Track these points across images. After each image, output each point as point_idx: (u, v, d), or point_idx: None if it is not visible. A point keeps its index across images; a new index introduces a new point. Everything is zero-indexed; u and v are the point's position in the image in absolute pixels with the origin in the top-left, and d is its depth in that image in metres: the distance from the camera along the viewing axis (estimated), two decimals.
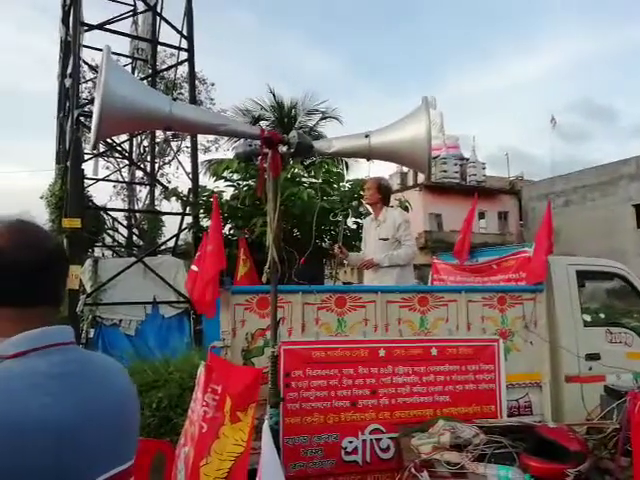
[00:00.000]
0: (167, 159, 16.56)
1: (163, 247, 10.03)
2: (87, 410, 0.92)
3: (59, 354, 0.94)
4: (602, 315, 4.94)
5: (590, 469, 2.73)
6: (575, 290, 4.30)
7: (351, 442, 3.32)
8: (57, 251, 1.02)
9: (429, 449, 2.91)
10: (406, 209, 7.53)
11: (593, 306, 5.13)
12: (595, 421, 3.42)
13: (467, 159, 28.95)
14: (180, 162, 13.91)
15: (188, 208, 8.83)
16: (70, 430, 0.87)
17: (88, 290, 7.73)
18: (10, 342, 0.91)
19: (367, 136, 2.64)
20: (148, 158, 12.36)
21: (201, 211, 8.43)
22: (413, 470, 2.74)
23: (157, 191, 11.47)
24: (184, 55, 9.74)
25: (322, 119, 17.04)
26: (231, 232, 7.73)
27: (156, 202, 11.62)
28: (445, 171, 27.22)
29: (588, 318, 4.45)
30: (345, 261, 4.81)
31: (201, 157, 13.74)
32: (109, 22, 9.97)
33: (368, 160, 2.77)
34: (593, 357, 4.16)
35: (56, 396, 0.88)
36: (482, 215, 27.94)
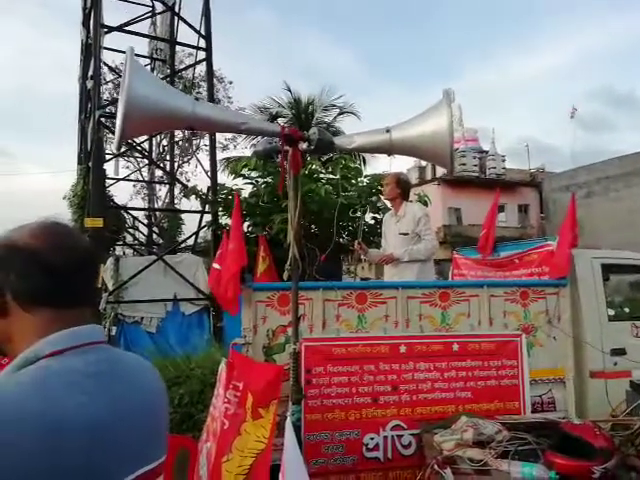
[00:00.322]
0: (186, 158, 16.70)
1: (183, 245, 10.14)
2: (118, 410, 0.92)
3: (93, 353, 0.95)
4: (627, 309, 4.84)
5: (617, 466, 2.68)
6: (600, 284, 4.22)
7: (372, 438, 3.32)
8: (90, 252, 1.03)
9: (452, 446, 2.89)
10: (425, 204, 7.46)
11: (617, 299, 5.03)
12: (621, 417, 3.36)
13: (486, 152, 28.55)
14: (199, 160, 14.06)
15: (207, 206, 8.89)
16: (102, 429, 0.87)
17: (110, 288, 7.85)
18: (47, 341, 0.91)
19: (388, 131, 2.62)
20: (167, 157, 12.49)
21: (220, 209, 8.47)
22: (436, 467, 2.72)
23: (176, 190, 11.61)
24: (202, 54, 9.79)
25: (339, 114, 17.06)
26: (250, 229, 7.75)
27: (175, 200, 11.79)
28: (464, 164, 26.89)
29: (612, 312, 4.36)
30: (364, 257, 4.79)
31: (219, 155, 13.83)
32: (128, 24, 10.08)
33: (389, 155, 2.75)
34: (618, 352, 4.08)
35: (92, 395, 0.89)
36: (502, 208, 27.55)
